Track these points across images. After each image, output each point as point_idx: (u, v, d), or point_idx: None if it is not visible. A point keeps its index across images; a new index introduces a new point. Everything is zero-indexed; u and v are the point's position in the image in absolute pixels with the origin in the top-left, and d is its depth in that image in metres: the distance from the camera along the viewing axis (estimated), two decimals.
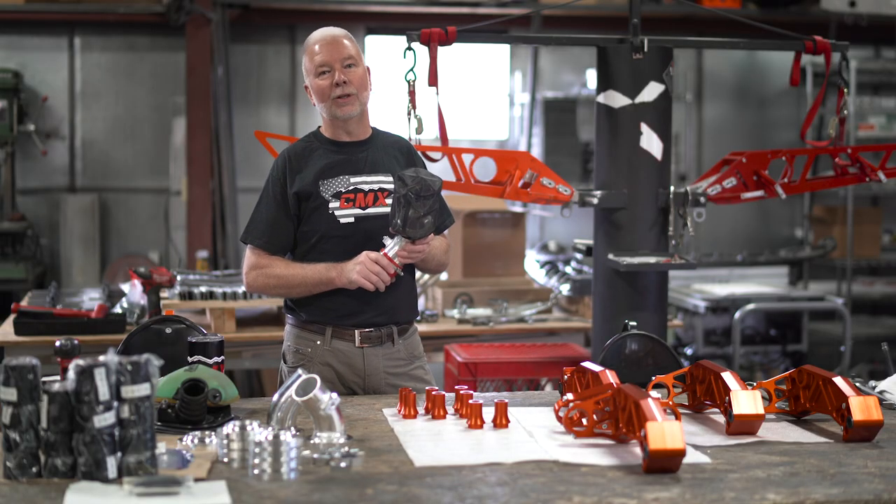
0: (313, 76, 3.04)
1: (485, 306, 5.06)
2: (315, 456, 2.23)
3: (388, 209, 3.04)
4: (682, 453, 2.16)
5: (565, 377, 2.83)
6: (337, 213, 3.03)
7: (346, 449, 2.26)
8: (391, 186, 3.06)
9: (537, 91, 8.09)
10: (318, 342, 3.08)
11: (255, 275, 3.07)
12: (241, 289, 4.42)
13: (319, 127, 3.18)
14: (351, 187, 3.05)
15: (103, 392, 2.02)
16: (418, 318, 3.31)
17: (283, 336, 4.45)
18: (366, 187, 3.06)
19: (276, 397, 2.44)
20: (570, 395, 2.48)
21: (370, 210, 3.05)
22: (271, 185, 3.09)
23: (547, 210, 7.49)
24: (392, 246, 2.94)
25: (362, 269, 2.92)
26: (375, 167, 3.09)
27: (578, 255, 5.55)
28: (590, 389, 2.52)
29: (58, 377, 2.36)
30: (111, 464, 2.04)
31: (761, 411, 2.50)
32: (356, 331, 3.06)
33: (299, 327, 3.12)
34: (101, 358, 2.05)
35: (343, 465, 2.18)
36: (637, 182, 3.89)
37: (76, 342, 2.68)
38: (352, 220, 3.03)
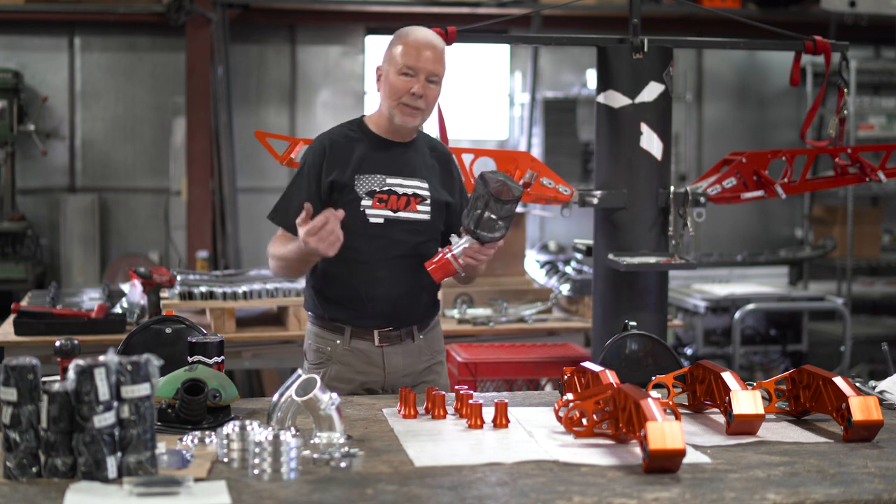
0: (395, 71, 2.96)
1: (485, 306, 5.06)
2: (315, 456, 2.23)
3: (418, 215, 3.01)
4: (682, 453, 2.16)
5: (565, 377, 2.83)
6: (368, 211, 2.98)
7: (346, 449, 2.26)
8: (425, 193, 3.03)
9: (537, 91, 8.09)
10: (338, 341, 3.05)
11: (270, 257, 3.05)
12: (241, 289, 4.42)
13: (363, 116, 3.12)
14: (385, 188, 3.00)
15: (103, 392, 2.02)
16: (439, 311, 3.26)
17: (282, 336, 4.46)
18: (400, 190, 3.01)
19: (276, 397, 2.44)
20: (570, 395, 2.48)
21: (401, 214, 3.01)
22: (306, 169, 3.03)
23: (547, 210, 7.49)
24: (459, 244, 2.88)
25: (314, 236, 2.75)
26: (413, 172, 3.05)
27: (578, 255, 5.55)
28: (590, 389, 2.52)
29: (58, 377, 2.36)
30: (111, 464, 2.04)
31: (761, 411, 2.50)
32: (375, 330, 3.03)
33: (320, 326, 3.09)
34: (101, 358, 2.05)
35: (343, 465, 2.18)
36: (637, 182, 3.89)
37: (76, 342, 2.68)
38: (381, 220, 2.99)
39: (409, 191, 3.02)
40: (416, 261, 3.00)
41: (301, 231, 2.76)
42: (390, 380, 3.06)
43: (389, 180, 3.01)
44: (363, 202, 2.98)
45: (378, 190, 2.99)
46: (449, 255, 2.89)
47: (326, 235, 2.74)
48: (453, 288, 5.11)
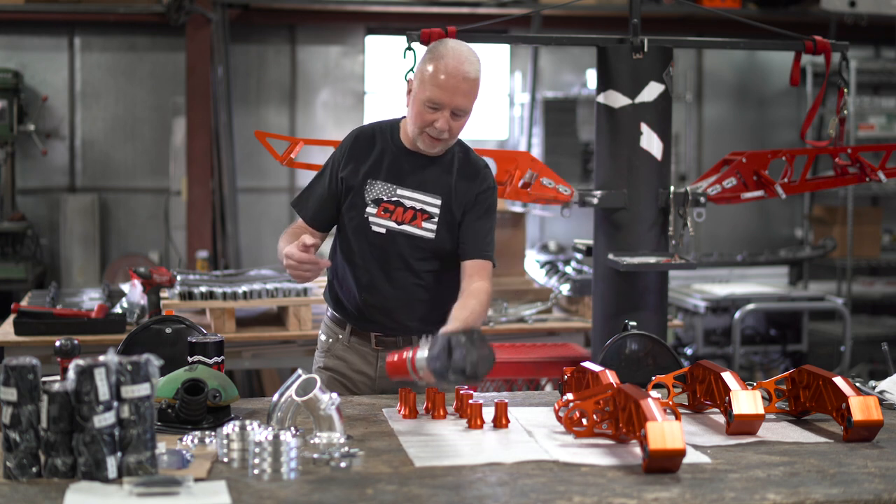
0: (421, 98, 2.82)
1: None
2: (315, 456, 2.23)
3: (422, 232, 2.93)
4: (682, 453, 2.16)
5: (565, 377, 2.83)
6: (371, 219, 2.92)
7: (346, 449, 2.26)
8: (434, 210, 2.93)
9: (537, 91, 8.08)
10: (340, 336, 3.07)
11: None
12: (241, 289, 4.42)
13: (403, 118, 3.01)
14: (394, 198, 2.93)
15: (103, 392, 2.02)
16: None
17: (282, 336, 4.48)
18: (408, 203, 2.92)
19: (276, 397, 2.44)
20: (570, 395, 2.48)
21: (405, 227, 2.92)
22: (331, 162, 3.01)
23: (547, 210, 7.49)
24: (424, 355, 2.51)
25: (288, 264, 2.77)
26: (427, 187, 2.93)
27: (578, 255, 5.55)
28: (590, 389, 2.52)
29: (58, 377, 2.36)
30: (111, 464, 2.04)
31: (761, 411, 2.50)
32: (372, 334, 3.03)
33: (330, 317, 3.13)
34: (101, 358, 2.05)
35: (343, 465, 2.18)
36: (637, 182, 3.89)
37: (76, 342, 2.68)
38: (383, 231, 2.92)
39: (418, 205, 2.93)
40: (416, 276, 2.95)
41: (288, 249, 2.76)
42: (380, 384, 3.04)
43: (400, 191, 2.93)
44: (368, 209, 2.93)
45: (385, 199, 2.93)
46: (408, 357, 2.55)
47: (297, 272, 2.76)
48: None
